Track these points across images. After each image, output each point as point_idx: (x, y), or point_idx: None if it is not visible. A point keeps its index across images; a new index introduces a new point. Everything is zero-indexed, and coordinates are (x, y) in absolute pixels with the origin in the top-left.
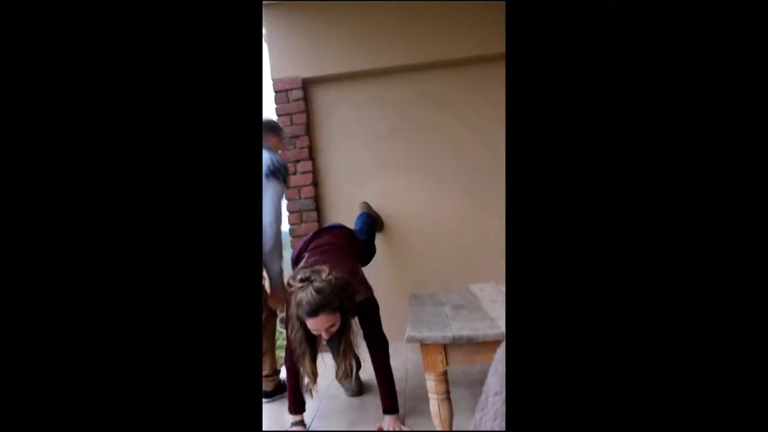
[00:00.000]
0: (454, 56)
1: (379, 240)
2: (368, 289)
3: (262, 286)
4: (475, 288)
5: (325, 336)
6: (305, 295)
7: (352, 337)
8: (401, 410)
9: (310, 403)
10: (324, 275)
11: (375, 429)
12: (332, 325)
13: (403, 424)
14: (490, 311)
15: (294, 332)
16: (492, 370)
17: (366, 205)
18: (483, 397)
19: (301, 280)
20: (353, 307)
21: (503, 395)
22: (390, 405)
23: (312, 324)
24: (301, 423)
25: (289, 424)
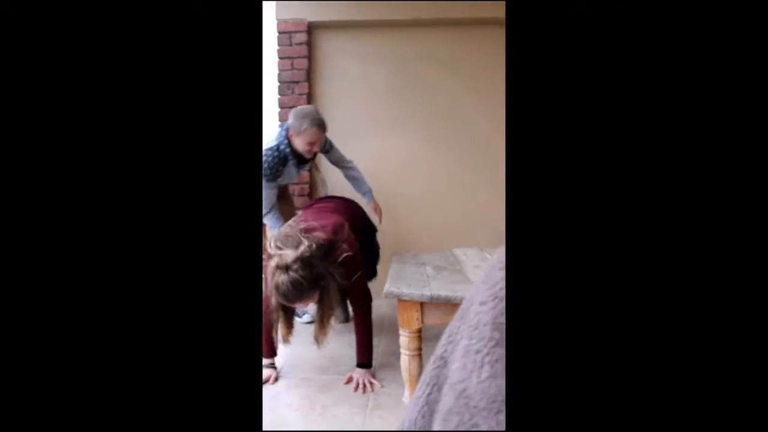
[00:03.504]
0: (462, 15)
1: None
2: (352, 245)
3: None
4: (459, 252)
5: (304, 308)
6: (281, 284)
7: (331, 304)
8: (373, 363)
9: (283, 349)
10: (302, 249)
11: (345, 378)
12: (310, 301)
13: (374, 377)
14: (471, 275)
15: (271, 297)
16: (483, 278)
17: None
18: (464, 305)
19: (278, 267)
20: (335, 271)
21: (491, 304)
22: (364, 359)
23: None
24: (272, 366)
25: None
